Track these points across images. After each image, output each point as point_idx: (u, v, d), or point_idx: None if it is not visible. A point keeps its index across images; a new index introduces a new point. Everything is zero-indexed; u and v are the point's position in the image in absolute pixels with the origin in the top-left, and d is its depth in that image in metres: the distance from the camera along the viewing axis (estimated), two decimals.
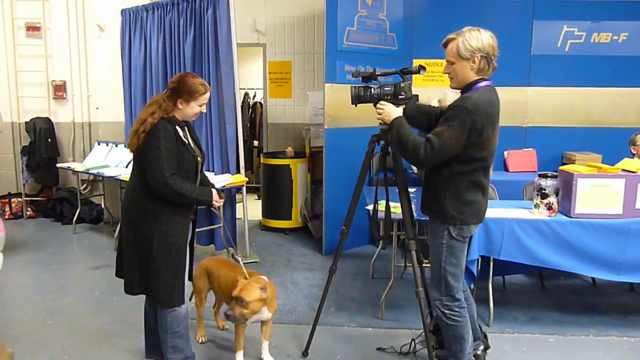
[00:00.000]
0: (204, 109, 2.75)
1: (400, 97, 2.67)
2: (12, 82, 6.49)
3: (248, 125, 8.21)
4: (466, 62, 2.42)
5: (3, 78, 6.48)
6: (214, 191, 2.79)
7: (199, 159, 2.76)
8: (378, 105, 2.69)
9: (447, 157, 2.41)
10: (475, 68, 2.42)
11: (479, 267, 3.45)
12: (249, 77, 8.90)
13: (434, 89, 5.59)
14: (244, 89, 8.26)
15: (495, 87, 2.49)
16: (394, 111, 2.61)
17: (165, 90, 2.73)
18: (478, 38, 2.38)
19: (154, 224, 2.62)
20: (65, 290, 4.21)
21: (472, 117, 2.32)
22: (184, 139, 2.68)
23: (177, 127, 2.67)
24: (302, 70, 6.88)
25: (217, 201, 2.78)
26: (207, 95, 2.72)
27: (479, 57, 2.39)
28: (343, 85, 4.97)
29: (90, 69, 6.52)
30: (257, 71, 8.41)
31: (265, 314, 2.86)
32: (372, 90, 2.75)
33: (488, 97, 2.40)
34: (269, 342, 3.04)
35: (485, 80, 2.46)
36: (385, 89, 2.69)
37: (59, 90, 6.54)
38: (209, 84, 4.84)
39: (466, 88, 2.47)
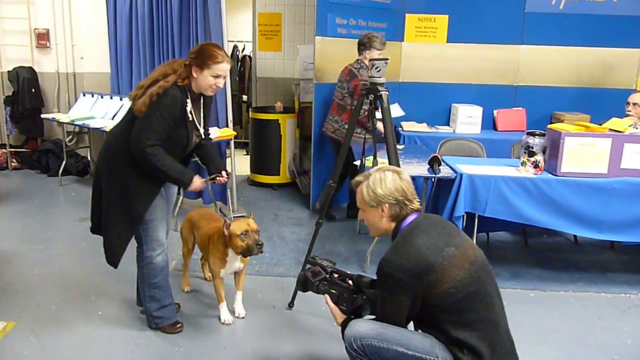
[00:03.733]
0: (219, 83, 2.56)
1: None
2: None
3: (237, 79, 8.08)
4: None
5: None
6: (196, 177, 2.62)
7: (194, 139, 2.67)
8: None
9: (404, 324, 1.96)
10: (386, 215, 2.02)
11: (464, 224, 3.49)
12: (238, 29, 8.70)
13: (426, 45, 5.54)
14: (233, 41, 8.08)
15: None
16: (337, 316, 2.22)
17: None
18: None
19: (121, 183, 2.58)
20: (52, 241, 4.21)
21: (393, 280, 1.85)
22: (188, 114, 2.57)
23: (188, 100, 2.55)
24: (293, 22, 6.72)
25: (194, 188, 2.65)
26: (224, 66, 2.53)
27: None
28: (334, 38, 4.87)
29: (75, 17, 6.30)
30: (246, 23, 8.21)
31: (239, 263, 2.93)
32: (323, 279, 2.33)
33: (405, 246, 1.88)
34: (242, 292, 3.08)
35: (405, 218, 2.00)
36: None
37: (42, 38, 6.34)
38: (197, 36, 4.78)
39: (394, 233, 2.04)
